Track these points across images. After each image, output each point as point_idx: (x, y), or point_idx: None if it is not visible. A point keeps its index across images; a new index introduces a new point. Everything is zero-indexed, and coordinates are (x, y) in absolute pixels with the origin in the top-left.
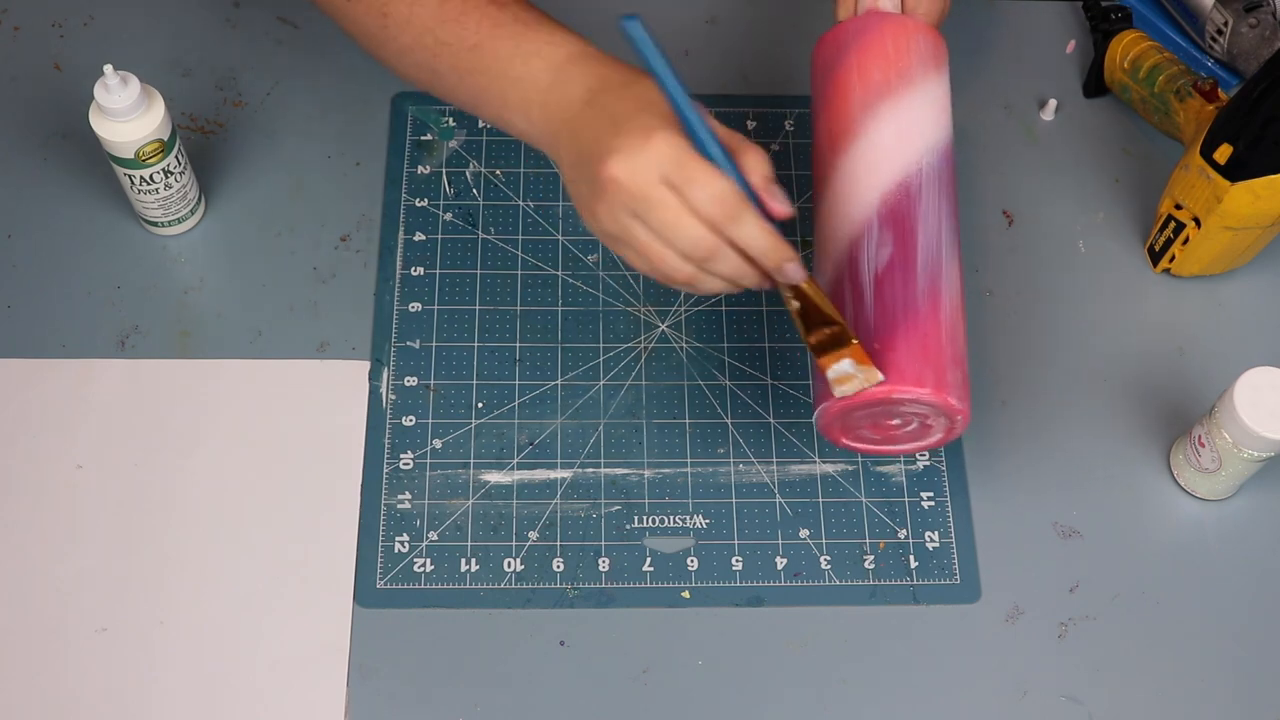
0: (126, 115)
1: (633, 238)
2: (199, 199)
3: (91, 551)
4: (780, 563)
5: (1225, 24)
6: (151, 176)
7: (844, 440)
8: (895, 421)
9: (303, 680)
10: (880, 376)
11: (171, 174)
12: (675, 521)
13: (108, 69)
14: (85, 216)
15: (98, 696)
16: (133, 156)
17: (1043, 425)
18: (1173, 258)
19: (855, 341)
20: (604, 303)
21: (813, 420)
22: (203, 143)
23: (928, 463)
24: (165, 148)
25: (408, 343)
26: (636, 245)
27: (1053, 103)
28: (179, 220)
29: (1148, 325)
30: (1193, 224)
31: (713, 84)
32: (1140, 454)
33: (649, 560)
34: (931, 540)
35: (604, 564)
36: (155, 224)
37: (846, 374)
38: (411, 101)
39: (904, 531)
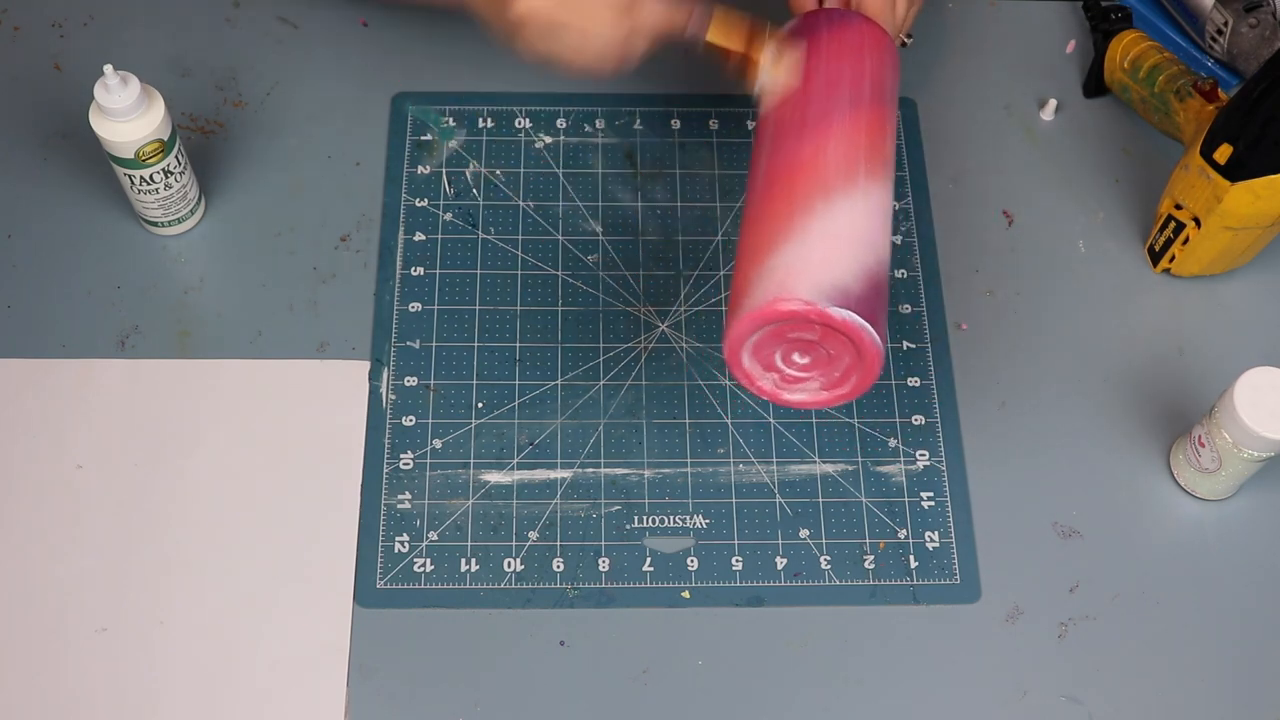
0: (126, 115)
1: (560, 55)
2: (199, 199)
3: (91, 551)
4: (780, 563)
5: (1225, 24)
6: (151, 176)
7: (757, 383)
8: (804, 358)
9: (303, 680)
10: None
11: (171, 174)
12: (675, 521)
13: (108, 69)
14: (85, 216)
15: (98, 696)
16: (133, 156)
17: (1043, 425)
18: (1173, 258)
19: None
20: (604, 303)
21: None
22: (203, 143)
23: (928, 463)
24: (165, 148)
25: (408, 343)
26: (566, 58)
27: (1053, 103)
28: (179, 220)
29: (1148, 325)
30: (1193, 224)
31: (713, 84)
32: (1140, 454)
33: (649, 560)
34: (931, 540)
35: (604, 564)
36: (155, 224)
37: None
38: (411, 101)
39: (904, 531)
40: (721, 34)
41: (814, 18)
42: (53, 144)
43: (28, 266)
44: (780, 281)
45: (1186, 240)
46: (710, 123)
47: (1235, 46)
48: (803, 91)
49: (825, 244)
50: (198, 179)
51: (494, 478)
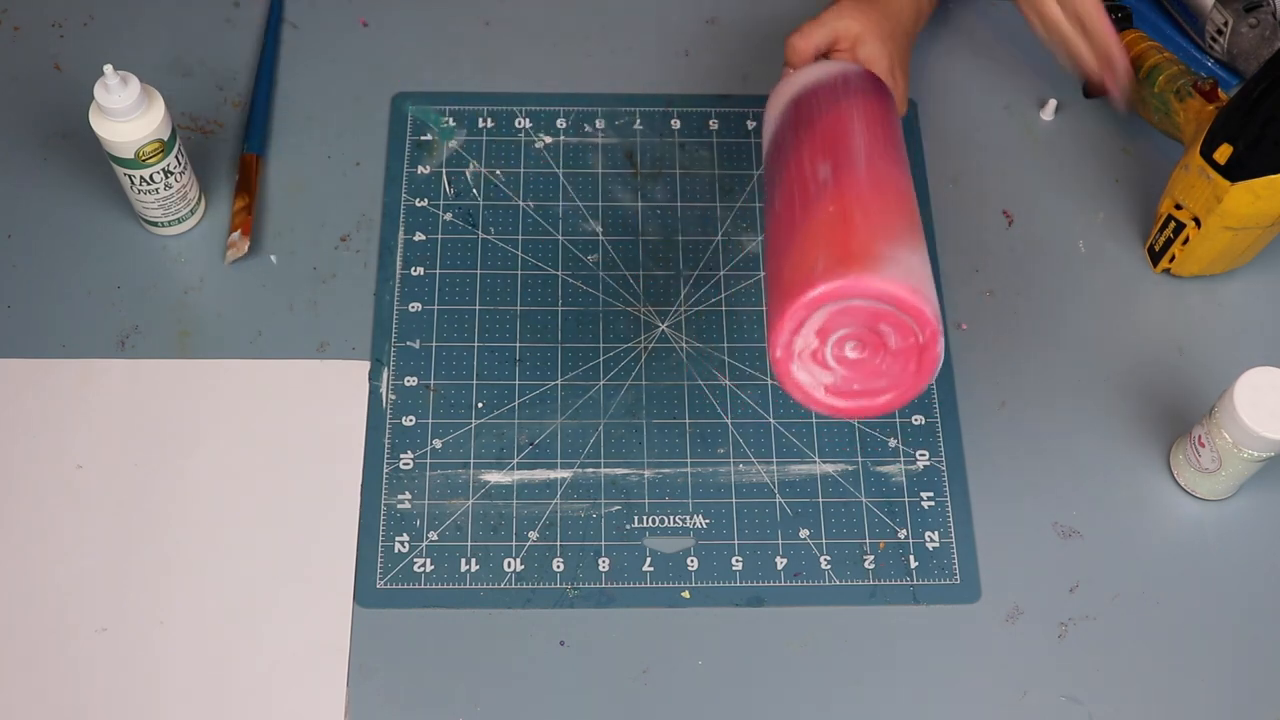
0: (126, 115)
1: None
2: (199, 199)
3: (91, 551)
4: (780, 563)
5: (1225, 24)
6: (151, 176)
7: (794, 337)
8: (855, 353)
9: (303, 680)
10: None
11: (171, 174)
12: (675, 521)
13: (108, 69)
14: (85, 216)
15: (98, 696)
16: (133, 156)
17: (1043, 425)
18: (1173, 258)
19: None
20: (604, 303)
21: (771, 360)
22: (203, 143)
23: (928, 463)
24: (165, 148)
25: (408, 343)
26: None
27: (1053, 103)
28: (179, 220)
29: (1148, 325)
30: (1193, 224)
31: (713, 84)
32: (1140, 454)
33: (649, 560)
34: (931, 540)
35: (604, 564)
36: (155, 224)
37: (235, 243)
38: (411, 101)
39: (904, 531)
40: None
41: (848, 80)
42: (53, 144)
43: (28, 266)
44: (910, 277)
45: (1186, 240)
46: (710, 123)
47: (1235, 46)
48: (884, 129)
49: (929, 275)
50: (198, 179)
51: (494, 478)
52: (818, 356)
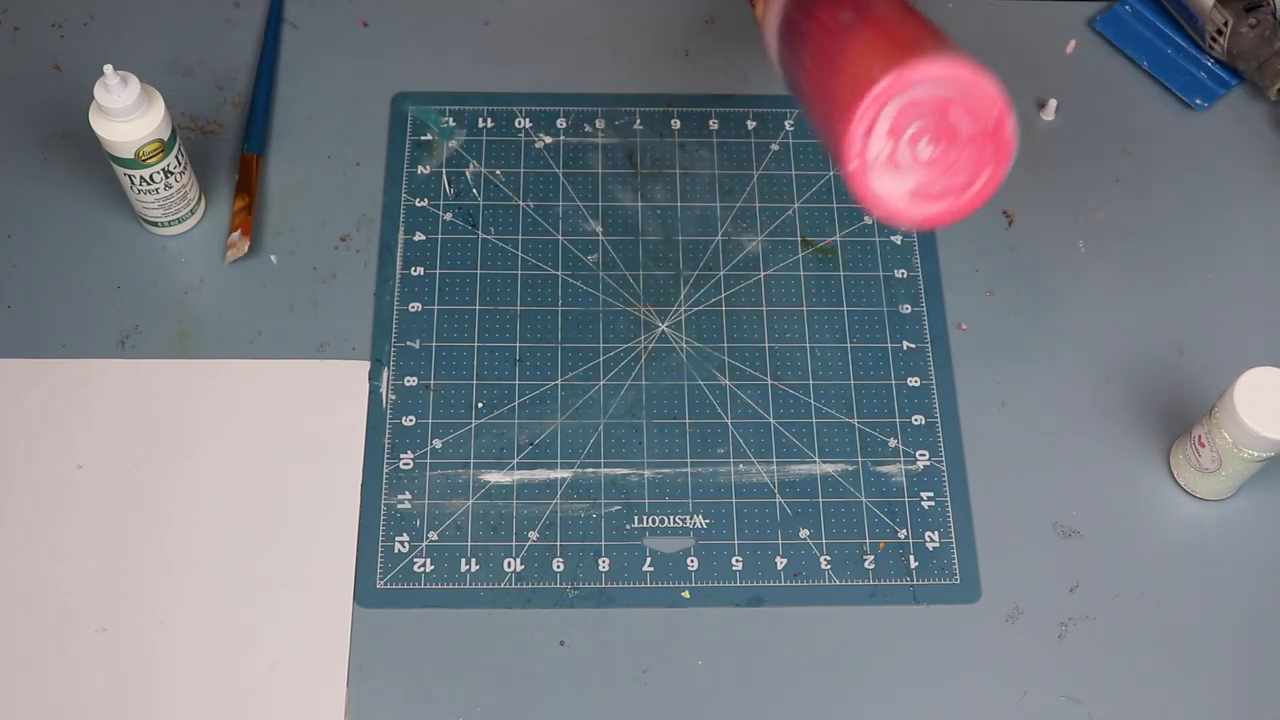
0: (126, 115)
1: None
2: (199, 199)
3: (91, 551)
4: (780, 563)
5: (1225, 24)
6: (151, 176)
7: (873, 130)
8: (929, 149)
9: (303, 680)
10: (244, 248)
11: (171, 174)
12: (675, 521)
13: (108, 69)
14: (85, 216)
15: (98, 696)
16: (133, 156)
17: (1043, 425)
18: None
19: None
20: (604, 303)
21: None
22: (203, 143)
23: (928, 463)
24: (165, 148)
25: (408, 343)
26: None
27: (1053, 103)
28: (179, 220)
29: (1148, 325)
30: None
31: (713, 84)
32: (1140, 454)
33: (649, 560)
34: (931, 540)
35: (604, 564)
36: (155, 224)
37: (235, 243)
38: (411, 101)
39: (904, 531)
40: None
41: None
42: (53, 144)
43: (28, 266)
44: (969, 60)
45: None
46: (710, 123)
47: (1235, 46)
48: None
49: None
50: (198, 179)
51: (494, 478)
52: (893, 161)
